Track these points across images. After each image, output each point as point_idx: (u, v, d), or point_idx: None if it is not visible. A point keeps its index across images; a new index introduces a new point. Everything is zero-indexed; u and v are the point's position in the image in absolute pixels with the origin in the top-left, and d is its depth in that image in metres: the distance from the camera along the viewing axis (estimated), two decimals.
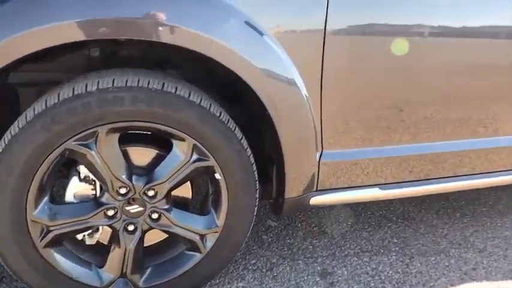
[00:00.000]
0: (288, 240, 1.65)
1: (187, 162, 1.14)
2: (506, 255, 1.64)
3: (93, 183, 1.16)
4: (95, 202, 1.15)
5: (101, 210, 1.14)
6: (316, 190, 1.31)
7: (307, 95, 1.18)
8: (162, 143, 1.16)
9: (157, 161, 1.16)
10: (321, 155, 1.27)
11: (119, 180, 1.11)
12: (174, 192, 1.21)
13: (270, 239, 1.65)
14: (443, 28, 1.29)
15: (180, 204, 1.24)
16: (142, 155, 1.17)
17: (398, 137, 1.34)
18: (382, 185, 1.39)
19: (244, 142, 1.18)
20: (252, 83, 1.10)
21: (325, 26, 1.14)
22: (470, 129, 1.42)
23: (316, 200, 1.32)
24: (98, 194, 1.16)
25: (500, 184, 1.63)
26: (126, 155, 1.15)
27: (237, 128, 1.16)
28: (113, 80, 1.04)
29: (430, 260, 1.58)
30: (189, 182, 1.24)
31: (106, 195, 1.13)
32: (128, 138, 1.14)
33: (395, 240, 1.69)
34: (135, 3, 1.00)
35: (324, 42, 1.15)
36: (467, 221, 1.87)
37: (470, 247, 1.67)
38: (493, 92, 1.43)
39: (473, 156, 1.49)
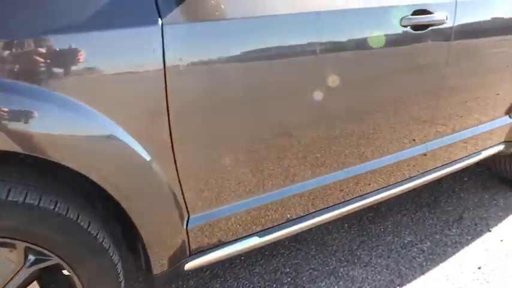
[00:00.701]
0: None
1: (21, 268, 0.96)
2: (388, 264, 1.73)
3: None
4: None
5: None
6: (190, 255, 1.22)
7: (154, 161, 1.03)
8: None
9: None
10: (188, 222, 1.17)
11: None
12: None
13: None
14: (304, 46, 1.21)
15: None
16: None
17: (270, 182, 1.29)
18: (261, 232, 1.34)
19: (93, 228, 1.03)
20: (80, 168, 0.94)
21: (165, 77, 0.98)
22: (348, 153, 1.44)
23: (191, 264, 1.22)
24: None
25: (388, 198, 1.69)
26: None
27: (80, 216, 1.01)
28: None
29: (321, 286, 1.61)
30: (35, 282, 1.06)
31: None
32: None
33: (288, 270, 1.69)
34: None
35: (166, 99, 0.99)
36: (354, 231, 1.94)
37: (357, 262, 1.74)
38: (373, 105, 1.44)
39: (357, 181, 1.52)
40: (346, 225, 1.99)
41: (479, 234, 1.93)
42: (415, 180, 1.75)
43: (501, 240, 1.89)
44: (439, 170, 1.83)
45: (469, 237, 1.91)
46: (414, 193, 2.25)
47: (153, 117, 1.01)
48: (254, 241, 1.33)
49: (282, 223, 1.37)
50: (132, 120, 0.98)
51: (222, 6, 1.03)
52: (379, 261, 1.75)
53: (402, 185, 1.72)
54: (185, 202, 1.14)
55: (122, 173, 0.99)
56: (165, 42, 0.97)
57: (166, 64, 0.98)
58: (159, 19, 0.96)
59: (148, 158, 1.02)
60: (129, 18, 0.94)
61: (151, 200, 1.06)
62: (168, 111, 1.02)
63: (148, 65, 0.97)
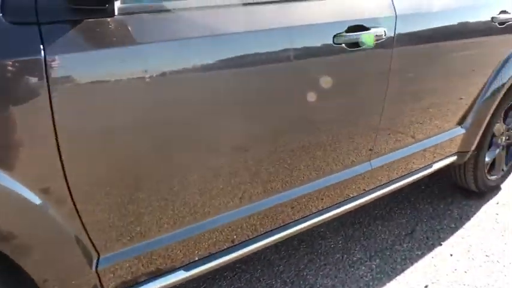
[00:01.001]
0: None
1: None
2: (333, 285, 1.67)
3: None
4: None
5: None
6: None
7: (48, 205, 0.93)
8: None
9: None
10: (97, 263, 1.07)
11: None
12: None
13: None
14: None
15: None
16: None
17: (193, 213, 1.20)
18: (188, 265, 1.26)
19: None
20: None
21: (52, 111, 0.88)
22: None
23: None
24: None
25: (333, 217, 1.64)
26: None
27: None
28: None
29: None
30: None
31: None
32: None
33: None
34: None
35: (56, 135, 0.90)
36: (303, 248, 1.88)
37: (302, 284, 1.67)
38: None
39: (309, 197, 1.47)
40: (295, 242, 1.92)
41: (429, 249, 1.89)
42: (364, 196, 1.71)
43: (451, 255, 1.85)
44: (389, 186, 1.79)
45: (419, 253, 1.87)
46: (369, 204, 2.20)
47: (41, 156, 0.91)
48: (180, 275, 1.24)
49: (215, 252, 1.30)
50: (17, 162, 0.88)
51: (117, 33, 0.93)
52: (325, 282, 1.69)
53: (352, 201, 1.67)
54: (92, 243, 1.05)
55: (5, 222, 0.89)
56: (48, 74, 0.86)
57: (52, 97, 0.88)
58: (42, 50, 0.85)
59: (38, 202, 0.92)
60: (9, 50, 0.84)
61: (47, 246, 0.96)
62: (58, 147, 0.92)
63: (33, 100, 0.87)
